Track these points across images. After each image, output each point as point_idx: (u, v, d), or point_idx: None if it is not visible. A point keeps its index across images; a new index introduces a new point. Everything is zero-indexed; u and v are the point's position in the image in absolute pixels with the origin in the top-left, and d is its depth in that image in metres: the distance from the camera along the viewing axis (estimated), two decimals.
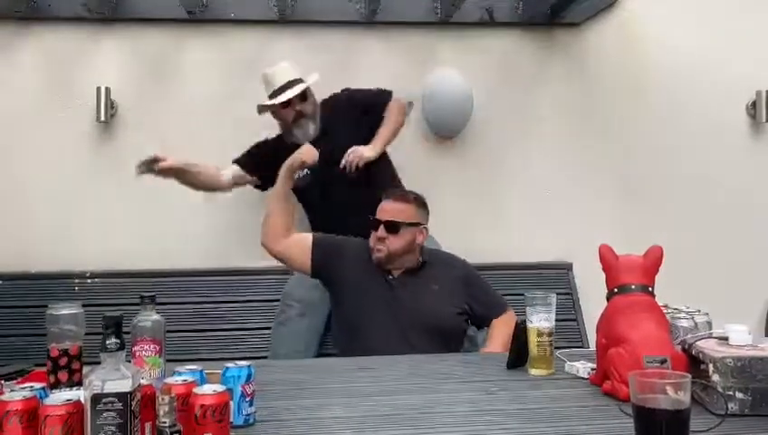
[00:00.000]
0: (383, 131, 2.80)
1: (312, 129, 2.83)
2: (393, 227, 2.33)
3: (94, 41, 3.24)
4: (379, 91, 2.94)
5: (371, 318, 2.27)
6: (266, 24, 3.28)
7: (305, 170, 2.61)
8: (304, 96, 2.82)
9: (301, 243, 2.39)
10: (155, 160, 2.59)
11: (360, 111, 2.86)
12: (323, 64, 3.07)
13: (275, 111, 2.85)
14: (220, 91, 3.25)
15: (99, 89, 3.13)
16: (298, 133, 2.81)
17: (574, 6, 3.22)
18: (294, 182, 2.51)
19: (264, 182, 2.86)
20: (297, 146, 2.59)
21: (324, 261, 2.37)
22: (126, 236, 3.17)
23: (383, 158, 2.84)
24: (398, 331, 2.24)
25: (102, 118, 3.14)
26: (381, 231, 2.32)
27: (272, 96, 2.81)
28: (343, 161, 2.66)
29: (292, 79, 2.82)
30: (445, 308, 2.33)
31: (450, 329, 2.34)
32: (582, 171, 3.41)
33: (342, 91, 2.99)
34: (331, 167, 2.66)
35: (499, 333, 2.28)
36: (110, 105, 3.17)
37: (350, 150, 2.67)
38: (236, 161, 2.92)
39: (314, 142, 2.68)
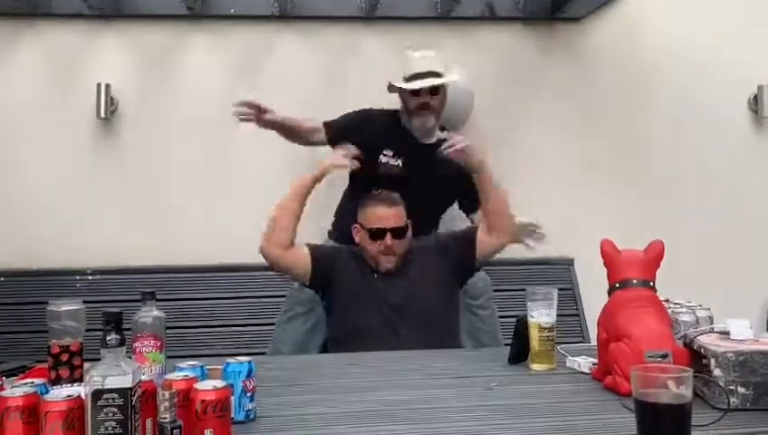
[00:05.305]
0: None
1: (432, 122, 2.70)
2: (401, 233, 2.27)
3: (94, 37, 3.24)
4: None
5: (368, 319, 2.25)
6: (266, 20, 3.28)
7: (398, 162, 2.61)
8: (435, 90, 2.69)
9: (299, 254, 2.29)
10: (259, 110, 2.54)
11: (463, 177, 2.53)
12: (323, 60, 3.07)
13: (405, 93, 2.72)
14: (220, 86, 3.24)
15: (99, 85, 3.13)
16: (416, 123, 2.69)
17: (575, 1, 3.22)
18: (383, 167, 2.54)
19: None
20: (403, 131, 2.66)
21: (323, 273, 2.31)
22: (127, 233, 3.17)
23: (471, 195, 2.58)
24: (397, 323, 2.23)
25: (103, 114, 3.14)
26: (389, 239, 2.24)
27: (408, 80, 2.69)
28: (448, 138, 2.43)
29: (433, 70, 2.70)
30: (433, 284, 2.29)
31: (441, 303, 2.31)
32: (584, 166, 3.40)
33: None
34: (407, 180, 2.55)
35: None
36: (111, 101, 3.16)
37: (462, 138, 2.43)
38: (326, 126, 2.72)
39: (411, 148, 2.64)
